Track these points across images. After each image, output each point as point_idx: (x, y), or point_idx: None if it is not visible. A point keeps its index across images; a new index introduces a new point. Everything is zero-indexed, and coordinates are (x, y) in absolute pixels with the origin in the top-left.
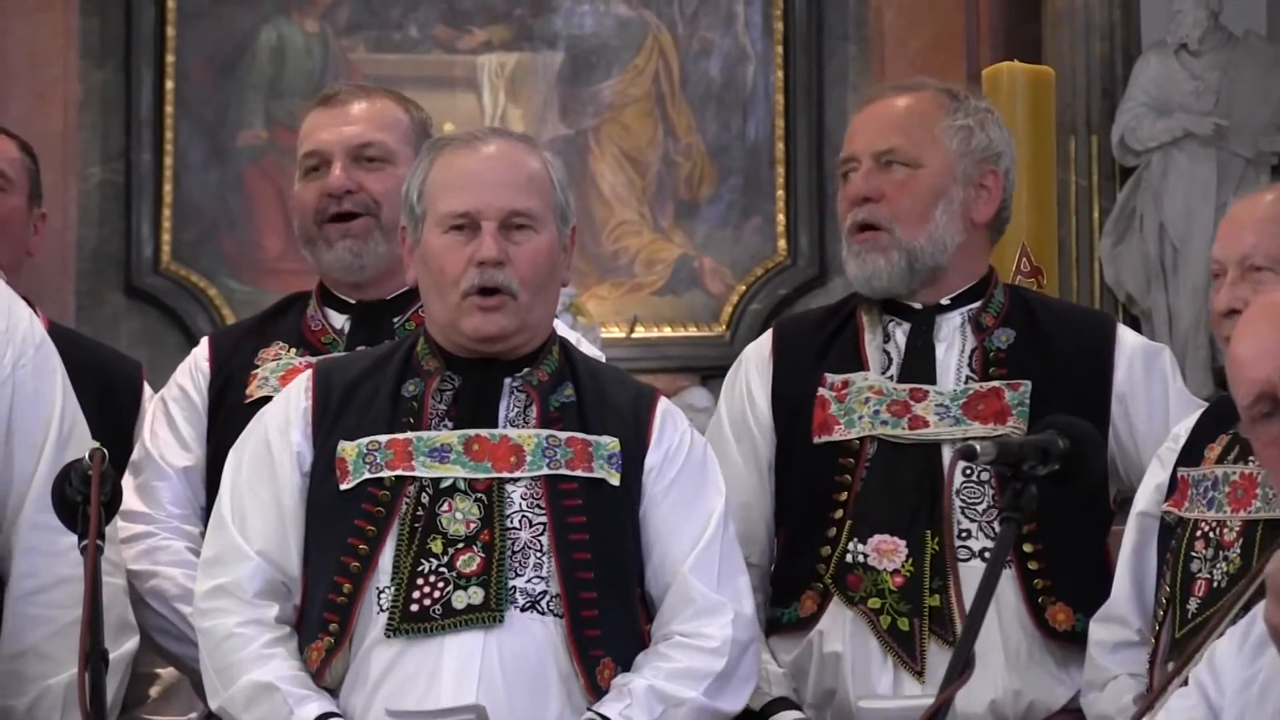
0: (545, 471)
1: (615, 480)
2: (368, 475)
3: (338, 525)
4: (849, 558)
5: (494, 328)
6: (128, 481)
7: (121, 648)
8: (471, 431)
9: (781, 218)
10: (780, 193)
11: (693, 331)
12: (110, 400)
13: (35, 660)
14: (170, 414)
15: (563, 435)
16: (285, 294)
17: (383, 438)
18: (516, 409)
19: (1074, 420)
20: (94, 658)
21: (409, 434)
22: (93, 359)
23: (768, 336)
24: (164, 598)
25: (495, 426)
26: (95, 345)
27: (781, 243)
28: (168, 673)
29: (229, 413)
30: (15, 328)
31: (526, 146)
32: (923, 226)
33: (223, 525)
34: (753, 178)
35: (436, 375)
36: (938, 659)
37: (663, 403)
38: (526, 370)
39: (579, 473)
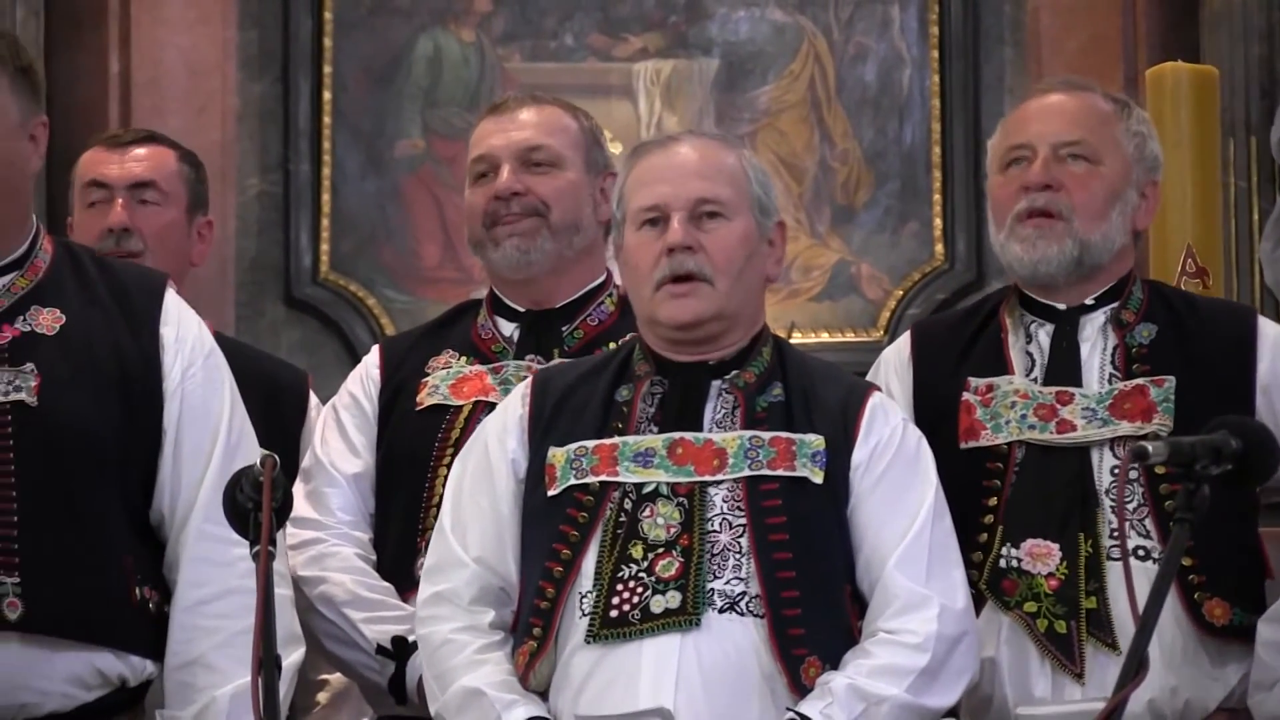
0: (746, 473)
1: (818, 478)
2: (573, 481)
3: (544, 531)
4: (1002, 563)
5: (689, 314)
6: (298, 489)
7: (289, 658)
8: (676, 435)
9: (938, 222)
10: (937, 197)
11: (850, 337)
12: (276, 409)
13: (203, 671)
14: (341, 421)
15: (766, 435)
16: (443, 303)
17: (590, 443)
18: (723, 411)
19: (1245, 419)
20: (267, 664)
21: (615, 439)
22: (258, 368)
23: (906, 339)
24: (333, 603)
25: (700, 430)
26: (260, 354)
27: (939, 247)
28: (335, 679)
29: (399, 420)
30: (185, 337)
31: (722, 143)
32: (1099, 223)
33: (443, 533)
34: (909, 183)
35: (646, 379)
36: (1095, 661)
37: (875, 398)
38: (734, 373)
39: (780, 472)
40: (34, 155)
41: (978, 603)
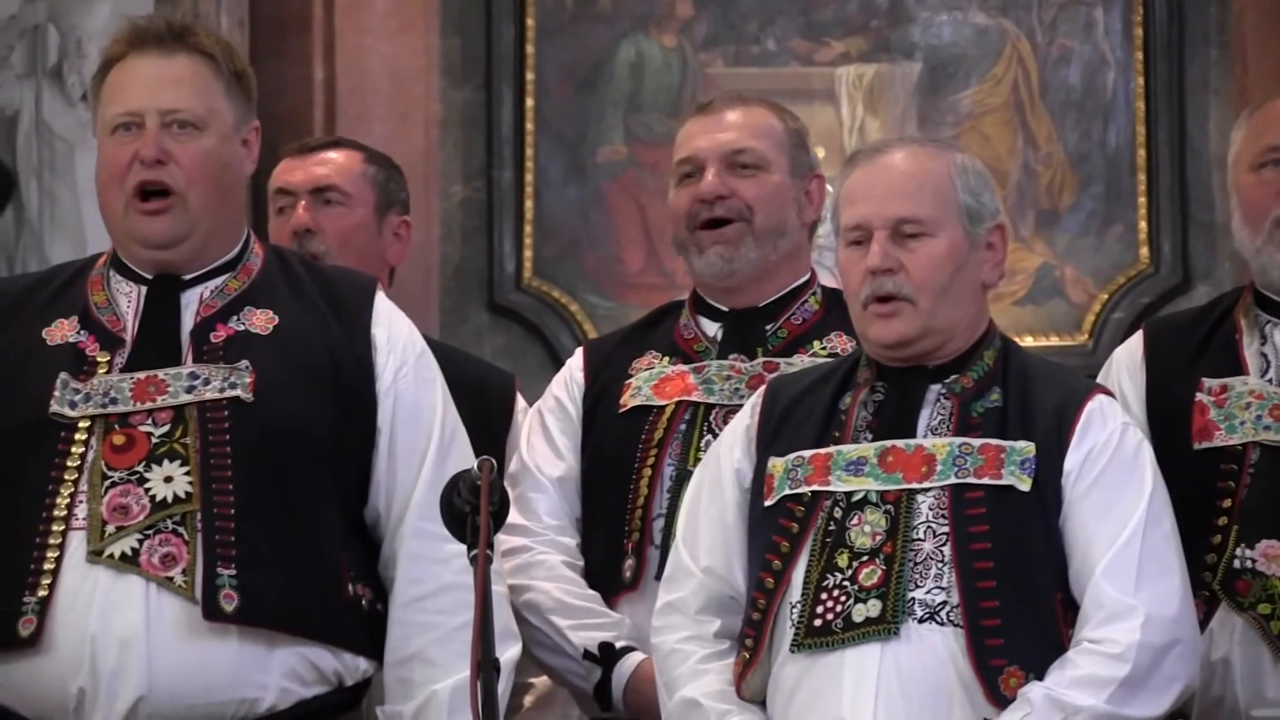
0: (953, 480)
1: (1025, 486)
2: (788, 491)
3: (761, 541)
4: (1236, 563)
5: (893, 334)
6: None
7: (506, 654)
8: (888, 443)
9: (1143, 225)
10: (1142, 200)
11: (1055, 341)
12: (483, 412)
13: (421, 666)
14: (545, 425)
15: (976, 442)
16: (646, 308)
17: (807, 453)
18: (939, 418)
19: None
20: (485, 667)
21: (831, 448)
22: (465, 372)
23: (1138, 339)
24: (539, 611)
25: (913, 436)
26: (467, 358)
27: (1144, 250)
28: (541, 682)
29: (603, 422)
30: (396, 338)
31: (931, 150)
32: None
33: (677, 543)
34: (1114, 185)
35: (866, 386)
36: None
37: (1094, 401)
38: (952, 378)
39: (986, 480)
40: (247, 159)
41: (1212, 604)
